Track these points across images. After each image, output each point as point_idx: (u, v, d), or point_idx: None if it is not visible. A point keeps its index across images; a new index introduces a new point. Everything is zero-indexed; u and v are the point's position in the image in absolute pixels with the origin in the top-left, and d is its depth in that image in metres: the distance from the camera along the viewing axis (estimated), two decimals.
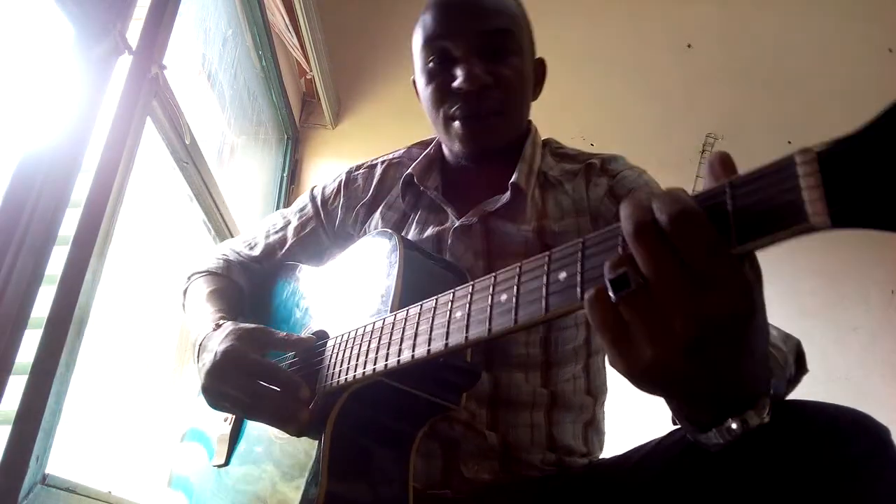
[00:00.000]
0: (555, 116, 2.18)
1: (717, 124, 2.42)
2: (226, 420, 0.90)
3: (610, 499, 0.74)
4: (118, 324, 1.42)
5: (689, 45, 2.57)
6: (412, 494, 0.72)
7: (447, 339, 0.56)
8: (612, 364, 0.44)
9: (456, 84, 0.88)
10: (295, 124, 2.52)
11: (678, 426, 0.71)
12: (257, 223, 1.15)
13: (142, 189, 1.38)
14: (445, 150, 1.02)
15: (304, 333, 0.86)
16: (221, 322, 0.86)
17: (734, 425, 0.46)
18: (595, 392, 0.93)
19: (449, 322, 0.57)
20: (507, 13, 0.92)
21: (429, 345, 0.58)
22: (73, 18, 0.96)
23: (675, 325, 0.40)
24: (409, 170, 0.99)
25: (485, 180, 0.96)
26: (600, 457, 0.93)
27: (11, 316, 0.82)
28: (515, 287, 0.51)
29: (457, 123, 0.91)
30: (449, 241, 0.91)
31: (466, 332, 0.54)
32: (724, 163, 0.42)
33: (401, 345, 0.62)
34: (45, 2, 0.95)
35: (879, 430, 0.54)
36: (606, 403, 0.96)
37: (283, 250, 1.07)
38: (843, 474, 0.52)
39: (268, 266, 1.09)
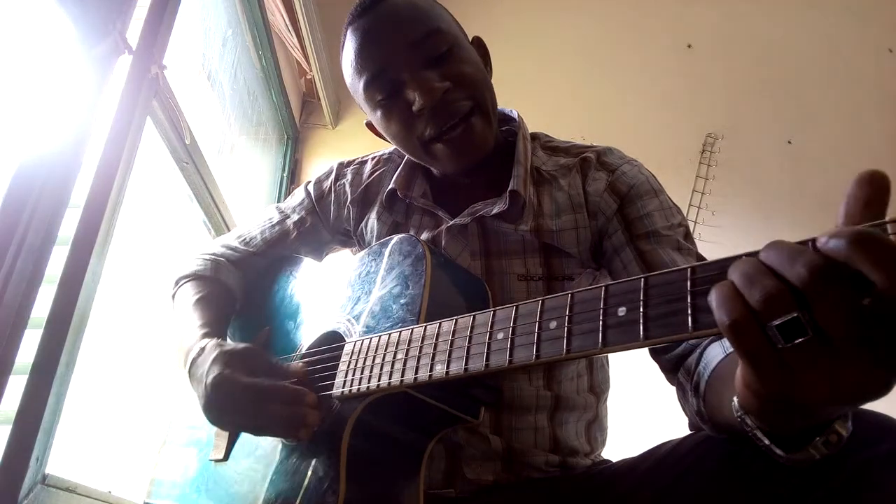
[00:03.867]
0: (555, 116, 2.19)
1: (717, 124, 2.42)
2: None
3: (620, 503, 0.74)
4: (118, 324, 1.42)
5: (689, 45, 2.57)
6: (423, 500, 0.72)
7: (488, 360, 0.56)
8: (752, 385, 0.42)
9: (416, 106, 0.82)
10: (295, 124, 2.52)
11: (693, 433, 0.72)
12: (249, 219, 1.13)
13: (142, 189, 1.38)
14: (439, 173, 0.98)
15: (314, 333, 0.86)
16: (205, 343, 0.84)
17: (833, 437, 0.45)
18: (598, 389, 0.92)
19: (489, 343, 0.56)
20: (425, 14, 0.86)
21: (466, 363, 0.58)
22: (73, 18, 0.96)
23: (849, 374, 0.37)
24: (392, 184, 0.96)
25: (476, 182, 0.94)
26: (602, 453, 0.93)
27: (11, 316, 0.82)
28: (567, 316, 0.50)
29: (438, 145, 0.85)
30: (443, 242, 0.90)
31: (511, 355, 0.54)
32: (875, 183, 0.38)
33: (433, 359, 0.61)
34: (46, 1, 0.95)
35: None
36: (609, 400, 0.96)
37: (284, 244, 1.06)
38: (866, 476, 0.52)
39: (266, 260, 1.07)
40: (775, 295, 0.37)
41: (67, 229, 0.94)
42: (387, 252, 0.81)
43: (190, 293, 0.99)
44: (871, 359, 0.36)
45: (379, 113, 0.87)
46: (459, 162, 0.87)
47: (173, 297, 1.04)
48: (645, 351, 0.86)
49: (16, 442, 0.85)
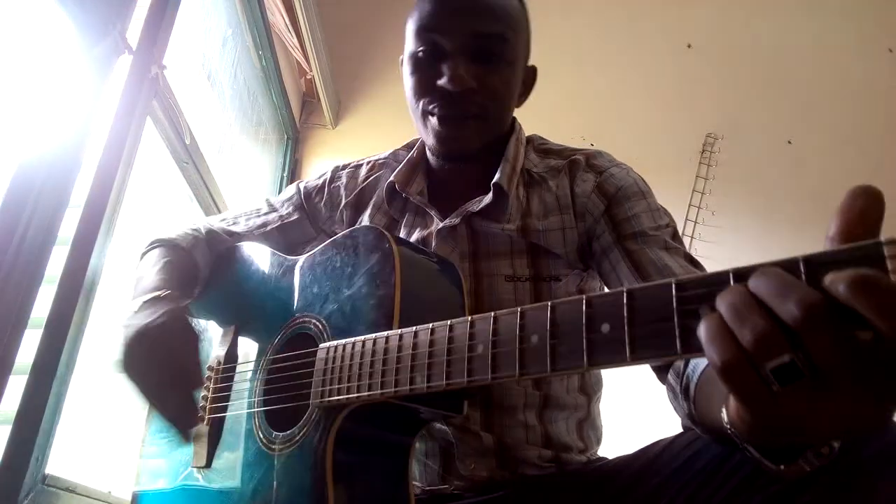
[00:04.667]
0: (555, 116, 2.18)
1: (717, 124, 2.42)
2: (204, 421, 0.86)
3: (614, 500, 0.74)
4: (118, 324, 1.42)
5: (689, 45, 2.57)
6: (413, 498, 0.71)
7: (470, 375, 0.54)
8: (745, 419, 0.41)
9: (440, 82, 0.86)
10: (295, 124, 2.52)
11: (686, 431, 0.72)
12: (241, 207, 1.11)
13: (142, 189, 1.38)
14: (428, 153, 0.99)
15: (283, 333, 0.83)
16: (169, 290, 0.85)
17: (824, 449, 0.45)
18: (590, 390, 0.92)
19: (470, 357, 0.54)
20: (507, 19, 0.89)
21: (447, 378, 0.56)
22: (73, 18, 0.96)
23: (846, 410, 0.37)
24: (392, 177, 0.97)
25: (468, 180, 0.95)
26: (598, 451, 0.93)
27: (11, 316, 0.82)
28: (549, 331, 0.48)
29: (434, 120, 0.88)
30: (434, 244, 0.91)
31: (493, 371, 0.52)
32: (870, 196, 0.37)
33: (412, 371, 0.59)
34: (46, 1, 0.95)
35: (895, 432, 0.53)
36: (603, 399, 0.96)
37: (264, 234, 1.05)
38: (857, 476, 0.52)
39: (244, 247, 1.04)
40: (767, 335, 0.36)
41: (67, 229, 0.94)
42: (351, 245, 0.78)
43: (161, 254, 0.97)
44: (868, 396, 0.36)
45: (412, 60, 0.91)
46: (442, 146, 0.90)
47: (143, 255, 1.00)
48: None
49: (16, 442, 0.85)
